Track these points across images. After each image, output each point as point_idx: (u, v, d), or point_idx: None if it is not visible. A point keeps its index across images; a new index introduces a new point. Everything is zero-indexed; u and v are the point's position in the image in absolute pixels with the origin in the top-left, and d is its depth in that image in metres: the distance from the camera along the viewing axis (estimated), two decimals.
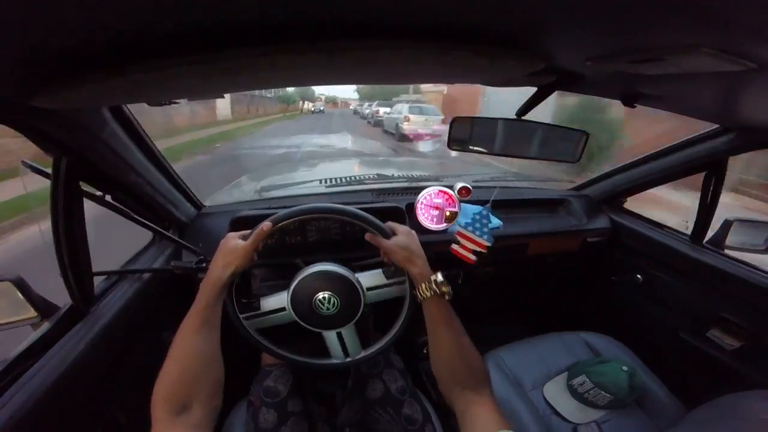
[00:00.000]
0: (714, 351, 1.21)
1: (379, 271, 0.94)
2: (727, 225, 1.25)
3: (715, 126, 1.10)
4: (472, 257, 1.16)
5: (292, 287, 0.87)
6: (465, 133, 0.81)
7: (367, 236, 0.85)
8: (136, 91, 0.51)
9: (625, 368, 1.11)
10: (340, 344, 0.92)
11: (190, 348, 0.64)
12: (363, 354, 0.94)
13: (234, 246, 0.76)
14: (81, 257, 0.77)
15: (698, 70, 0.48)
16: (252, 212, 1.13)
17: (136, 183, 0.92)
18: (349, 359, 0.94)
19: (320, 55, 0.38)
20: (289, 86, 0.64)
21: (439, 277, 0.74)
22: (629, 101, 0.75)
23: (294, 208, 0.82)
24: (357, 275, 0.91)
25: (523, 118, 0.77)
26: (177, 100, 0.69)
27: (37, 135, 0.65)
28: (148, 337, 1.00)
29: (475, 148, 0.82)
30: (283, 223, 0.81)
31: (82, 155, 0.73)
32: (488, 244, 1.12)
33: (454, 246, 1.18)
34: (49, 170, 0.70)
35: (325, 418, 0.98)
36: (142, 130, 0.85)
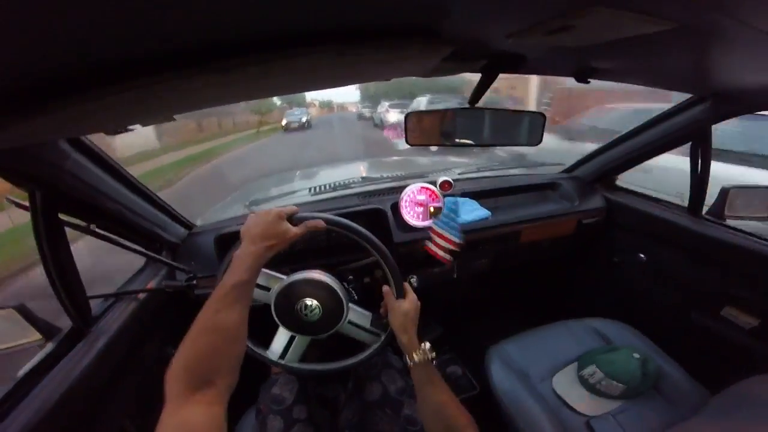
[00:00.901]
0: (730, 331, 1.16)
1: (370, 315, 0.98)
2: (724, 193, 1.19)
3: (689, 96, 1.07)
4: (448, 257, 1.16)
5: (289, 280, 0.91)
6: (421, 127, 0.80)
7: (385, 289, 0.92)
8: (79, 122, 0.53)
9: (636, 355, 1.07)
10: (285, 344, 0.94)
11: (223, 321, 0.62)
12: (296, 365, 0.95)
13: (281, 227, 0.75)
14: (72, 282, 0.81)
15: (612, 36, 0.46)
16: (237, 228, 1.15)
17: (116, 210, 0.95)
18: (280, 360, 0.95)
19: (214, 75, 0.39)
20: (216, 104, 0.65)
21: (427, 345, 0.82)
22: (582, 77, 0.73)
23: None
24: (350, 305, 0.95)
25: (477, 105, 0.76)
26: (130, 127, 0.71)
27: (5, 171, 0.68)
28: (148, 352, 1.04)
29: (435, 141, 0.81)
30: (334, 228, 0.86)
31: (54, 187, 0.76)
32: (458, 241, 1.11)
33: (428, 244, 1.18)
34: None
35: (328, 423, 0.99)
36: (107, 157, 0.88)
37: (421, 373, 0.80)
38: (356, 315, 0.96)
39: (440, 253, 1.17)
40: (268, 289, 0.92)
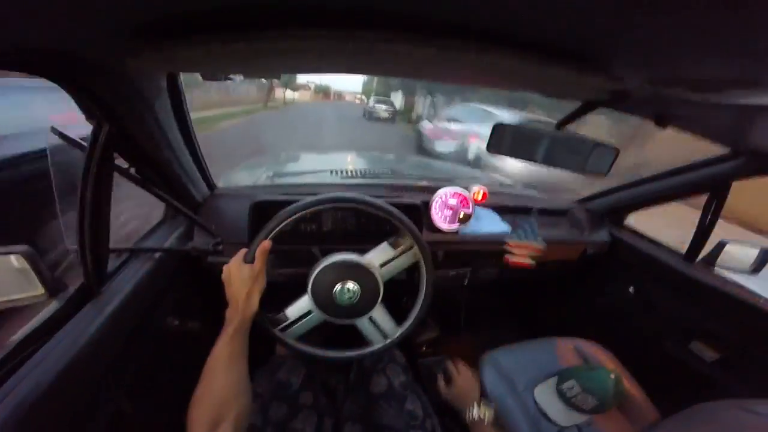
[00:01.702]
0: (694, 362, 1.28)
1: (384, 243, 0.97)
2: (720, 246, 1.32)
3: (725, 150, 1.14)
4: (531, 261, 1.24)
5: (309, 288, 0.89)
6: (503, 138, 0.84)
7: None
8: (199, 61, 0.51)
9: (612, 375, 1.14)
10: (375, 329, 0.94)
11: (222, 380, 0.67)
12: (400, 331, 0.95)
13: (248, 273, 0.78)
14: (102, 232, 0.74)
15: (747, 102, 0.51)
16: (273, 197, 1.12)
17: (165, 157, 0.89)
18: (389, 340, 0.95)
19: (361, 43, 0.39)
20: (332, 72, 0.65)
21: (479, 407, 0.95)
22: (662, 122, 0.79)
23: (286, 213, 0.84)
24: (366, 256, 0.93)
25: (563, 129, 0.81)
26: (231, 76, 0.69)
27: (85, 96, 0.62)
28: (156, 322, 0.98)
29: (513, 154, 0.85)
30: (278, 229, 0.84)
31: (123, 124, 0.71)
32: (541, 246, 1.17)
33: (511, 257, 1.25)
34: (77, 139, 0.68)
35: (332, 412, 0.99)
36: (185, 102, 0.84)
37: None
38: (378, 256, 0.95)
39: (524, 261, 1.26)
40: (310, 312, 0.92)
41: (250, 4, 0.37)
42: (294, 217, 0.84)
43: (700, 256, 1.37)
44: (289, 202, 0.87)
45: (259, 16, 0.39)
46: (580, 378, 1.15)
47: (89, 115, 0.67)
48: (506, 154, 0.84)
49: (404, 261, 0.95)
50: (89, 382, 0.69)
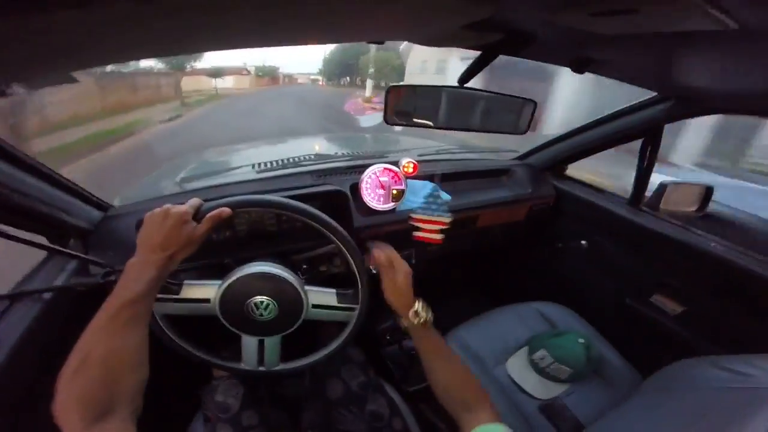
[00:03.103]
0: (659, 316, 1.26)
1: (333, 291, 0.88)
2: (662, 188, 1.29)
3: (653, 94, 1.10)
4: (438, 237, 1.11)
5: (227, 282, 0.79)
6: (403, 104, 0.71)
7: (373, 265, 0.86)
8: None
9: (581, 340, 1.12)
10: (257, 351, 0.85)
11: (115, 349, 0.53)
12: (280, 367, 0.88)
13: (184, 231, 0.64)
14: None
15: (670, 27, 0.42)
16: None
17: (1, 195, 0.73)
18: (262, 368, 0.87)
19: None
20: (197, 51, 0.51)
21: (422, 303, 0.79)
22: (578, 67, 0.69)
23: (263, 197, 0.76)
24: (306, 287, 0.84)
25: (466, 86, 0.69)
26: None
27: None
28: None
29: (416, 121, 0.72)
30: (246, 209, 0.76)
31: None
32: (448, 219, 1.07)
33: (417, 233, 1.12)
34: None
35: (287, 425, 0.93)
36: None
37: (423, 338, 0.76)
38: (319, 296, 0.87)
39: (432, 236, 1.12)
40: (207, 300, 0.80)
41: None
42: (273, 210, 0.80)
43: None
44: None
45: None
46: (550, 347, 1.12)
47: None
48: (407, 124, 0.72)
49: (338, 316, 0.88)
50: None
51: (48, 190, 0.87)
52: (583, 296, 1.51)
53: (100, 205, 1.06)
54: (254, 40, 0.52)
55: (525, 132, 0.74)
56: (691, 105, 1.04)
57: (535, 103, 0.72)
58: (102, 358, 0.51)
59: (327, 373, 0.98)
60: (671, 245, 1.19)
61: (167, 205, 0.67)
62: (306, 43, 0.51)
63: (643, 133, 1.21)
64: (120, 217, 1.06)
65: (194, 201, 0.70)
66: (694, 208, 1.28)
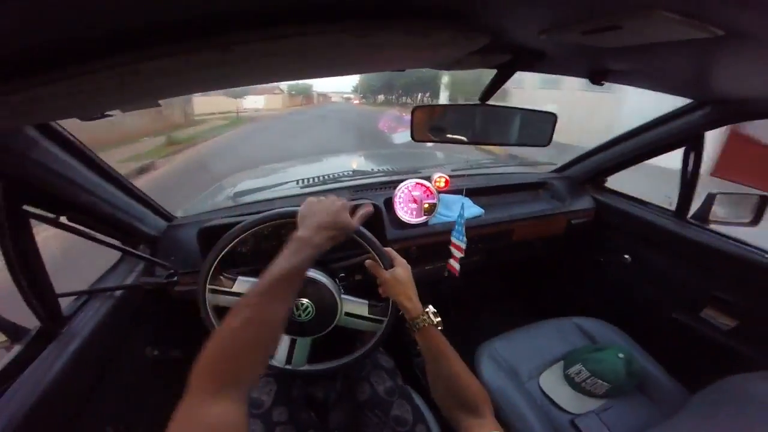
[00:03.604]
0: (709, 331, 1.19)
1: (366, 303, 0.95)
2: (710, 198, 1.22)
3: (690, 101, 1.07)
4: (456, 267, 1.15)
5: None
6: (429, 122, 0.77)
7: (368, 263, 0.86)
8: (48, 106, 0.46)
9: (621, 355, 1.08)
10: (288, 349, 0.92)
11: (272, 313, 0.55)
12: (306, 367, 0.94)
13: (346, 218, 0.71)
14: (39, 279, 0.75)
15: (660, 38, 0.44)
16: (221, 221, 1.10)
17: (89, 202, 0.87)
18: (288, 366, 0.93)
19: (214, 52, 0.34)
20: (213, 89, 0.59)
21: (432, 309, 0.78)
22: (596, 78, 0.71)
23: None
24: (343, 296, 0.92)
25: (488, 103, 0.73)
26: (109, 113, 0.64)
27: None
28: (129, 352, 0.99)
29: (442, 137, 0.78)
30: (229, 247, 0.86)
31: (18, 178, 0.69)
32: (463, 245, 1.10)
33: (451, 262, 1.16)
34: None
35: (315, 425, 0.95)
36: (81, 144, 0.80)
37: (428, 341, 0.74)
38: (352, 305, 0.93)
39: (454, 265, 1.16)
40: None
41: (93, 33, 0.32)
42: (240, 236, 0.86)
43: (691, 212, 1.28)
44: (233, 224, 0.88)
45: (111, 41, 0.34)
46: (587, 361, 1.10)
47: None
48: (434, 140, 0.77)
49: (367, 326, 0.94)
50: (64, 413, 0.72)
51: (126, 200, 1.01)
52: (626, 311, 1.45)
53: (166, 216, 1.21)
54: (280, 75, 0.60)
55: (547, 144, 0.77)
56: (729, 110, 1.01)
57: (555, 116, 0.75)
58: (256, 321, 0.53)
59: (357, 377, 1.01)
60: (721, 258, 1.13)
61: (326, 197, 0.75)
62: (330, 76, 0.58)
63: (684, 141, 1.18)
64: (183, 226, 1.20)
65: (345, 200, 0.75)
66: (747, 220, 1.19)
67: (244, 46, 0.36)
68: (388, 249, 0.88)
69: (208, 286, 0.88)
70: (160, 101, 0.62)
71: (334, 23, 0.36)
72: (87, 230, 0.89)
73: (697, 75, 0.74)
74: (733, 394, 0.75)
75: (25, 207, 0.72)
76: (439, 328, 0.77)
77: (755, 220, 1.20)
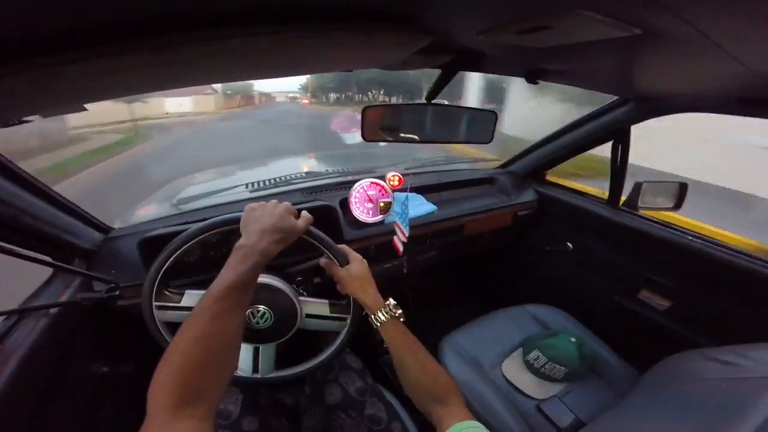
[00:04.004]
0: (648, 312, 1.29)
1: (326, 302, 0.93)
2: (637, 187, 1.34)
3: (616, 98, 1.16)
4: (401, 248, 1.17)
5: None
6: (378, 122, 0.77)
7: (322, 262, 0.87)
8: None
9: (573, 339, 1.15)
10: (252, 359, 0.90)
11: (223, 327, 0.54)
12: (274, 374, 0.92)
13: (291, 224, 0.70)
14: None
15: (586, 38, 0.47)
16: (163, 230, 1.03)
17: (8, 215, 0.79)
18: (257, 375, 0.91)
19: (146, 54, 0.32)
20: (144, 92, 0.57)
21: (392, 301, 0.79)
22: (532, 78, 0.75)
23: None
24: (301, 298, 0.90)
25: (434, 102, 0.76)
26: (27, 118, 0.59)
27: None
28: (74, 372, 0.92)
29: (391, 137, 0.79)
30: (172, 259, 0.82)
31: None
32: (407, 234, 1.13)
33: (395, 239, 1.19)
34: None
35: (288, 431, 0.94)
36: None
37: (392, 334, 0.75)
38: (312, 306, 0.91)
39: (399, 245, 1.18)
40: None
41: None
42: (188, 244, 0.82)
43: (622, 202, 1.39)
44: (177, 233, 0.84)
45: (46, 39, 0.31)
46: (543, 347, 1.15)
47: None
48: (384, 140, 0.78)
49: (330, 326, 0.93)
50: None
51: (53, 212, 0.93)
52: (574, 297, 1.55)
53: (101, 227, 1.12)
54: (221, 75, 0.58)
55: (490, 141, 0.80)
56: (650, 106, 1.10)
57: (496, 114, 0.79)
58: (206, 336, 0.52)
59: (326, 380, 1.00)
60: (652, 242, 1.24)
61: (269, 202, 0.73)
62: (275, 77, 0.57)
63: (612, 135, 1.28)
64: (122, 238, 1.12)
65: (288, 203, 0.74)
66: (670, 205, 1.32)
67: (182, 47, 0.34)
68: (342, 246, 0.87)
69: (154, 303, 0.83)
70: (87, 105, 0.57)
71: (277, 24, 0.35)
72: (10, 247, 0.81)
73: (621, 73, 0.80)
74: (675, 373, 0.81)
75: None
76: (401, 319, 0.77)
77: (677, 205, 1.34)
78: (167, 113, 21.90)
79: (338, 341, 0.92)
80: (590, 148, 1.40)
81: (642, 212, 1.34)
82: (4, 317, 0.84)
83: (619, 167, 1.30)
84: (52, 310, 0.88)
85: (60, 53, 0.31)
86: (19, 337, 0.79)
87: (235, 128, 14.18)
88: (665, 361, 0.86)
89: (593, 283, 1.50)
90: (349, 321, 0.91)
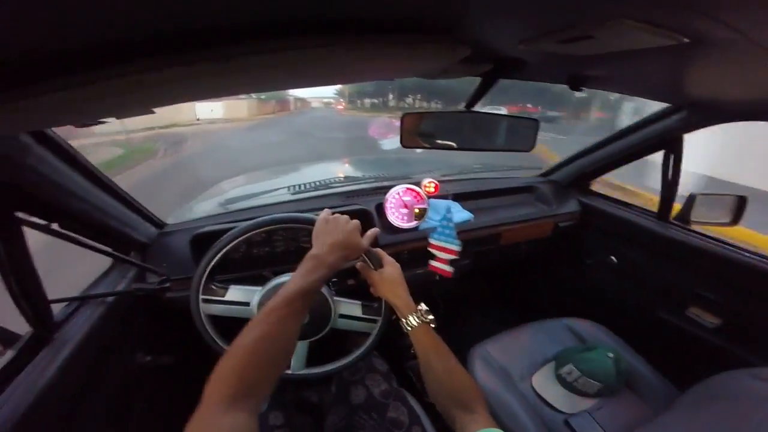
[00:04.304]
0: (695, 329, 1.22)
1: (359, 303, 0.96)
2: (690, 200, 1.26)
3: (667, 105, 1.11)
4: (449, 269, 1.17)
5: (265, 288, 0.90)
6: (417, 129, 0.79)
7: (358, 265, 0.89)
8: (46, 113, 0.47)
9: (610, 354, 1.10)
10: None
11: (284, 330, 0.58)
12: (305, 371, 0.95)
13: (357, 242, 0.74)
14: (31, 285, 0.75)
15: (629, 47, 0.46)
16: (213, 227, 1.10)
17: (81, 209, 0.87)
18: (287, 372, 0.94)
19: (213, 65, 0.36)
20: (210, 97, 0.61)
21: (424, 307, 0.80)
22: (575, 84, 0.74)
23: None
24: (335, 298, 0.93)
25: (473, 109, 0.76)
26: (103, 120, 0.65)
27: None
28: (119, 358, 0.99)
29: (430, 143, 0.80)
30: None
31: (11, 185, 0.69)
32: (458, 248, 1.12)
33: (432, 263, 1.19)
34: None
35: (311, 428, 0.96)
36: (74, 151, 0.80)
37: (421, 338, 0.76)
38: (346, 307, 0.95)
39: (444, 267, 1.18)
40: (247, 303, 0.90)
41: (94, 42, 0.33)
42: (233, 243, 0.88)
43: (674, 214, 1.32)
44: (226, 230, 0.90)
45: (108, 53, 0.35)
46: (578, 361, 1.11)
47: None
48: (423, 146, 0.79)
49: (362, 326, 0.95)
50: (55, 419, 0.72)
51: (117, 207, 1.02)
52: (614, 311, 1.48)
53: (157, 223, 1.21)
54: (276, 84, 0.62)
55: (531, 149, 0.79)
56: (705, 114, 1.04)
57: (537, 122, 0.78)
58: (270, 336, 0.56)
59: (352, 380, 1.02)
60: (704, 257, 1.17)
61: (338, 214, 0.78)
62: (322, 85, 0.60)
63: (663, 145, 1.21)
64: (174, 233, 1.20)
65: (357, 222, 0.78)
66: (727, 220, 1.23)
67: (243, 58, 0.37)
68: (377, 249, 0.89)
69: (201, 296, 0.88)
70: (155, 109, 0.63)
71: (327, 37, 0.37)
72: (78, 237, 0.89)
73: (671, 80, 0.76)
74: (719, 391, 0.77)
75: (17, 214, 0.72)
76: (432, 325, 0.78)
77: (734, 220, 1.24)
78: (198, 119, 20.39)
79: (368, 342, 0.94)
80: (639, 158, 1.34)
81: (694, 226, 1.26)
82: (66, 303, 0.92)
83: (670, 179, 1.22)
84: (108, 299, 0.96)
85: (143, 61, 0.35)
86: (77, 324, 0.86)
87: (263, 140, 12.69)
88: (710, 379, 0.81)
89: (636, 297, 1.43)
90: (379, 323, 0.93)
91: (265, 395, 0.54)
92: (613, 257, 1.48)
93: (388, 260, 0.88)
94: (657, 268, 1.33)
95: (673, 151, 1.19)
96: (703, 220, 1.26)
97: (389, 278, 0.84)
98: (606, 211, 1.49)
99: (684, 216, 1.28)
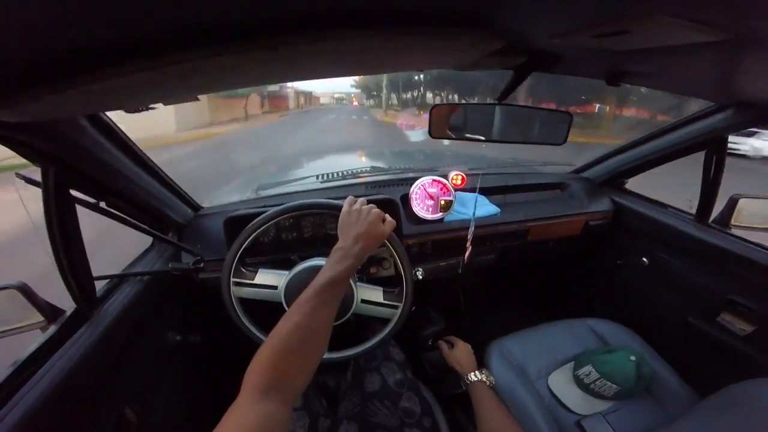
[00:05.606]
0: (725, 336, 1.17)
1: (380, 289, 0.98)
2: (732, 202, 1.21)
3: (711, 104, 1.06)
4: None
5: (292, 273, 0.93)
6: (446, 120, 0.79)
7: (439, 343, 1.14)
8: (99, 100, 0.51)
9: (632, 358, 1.08)
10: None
11: (318, 320, 0.60)
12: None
13: (380, 230, 0.76)
14: (79, 262, 0.78)
15: (668, 42, 0.45)
16: (245, 211, 1.15)
17: (127, 188, 0.93)
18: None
19: (263, 52, 0.38)
20: (255, 84, 0.64)
21: (486, 370, 0.95)
22: (613, 81, 0.72)
23: None
24: (358, 283, 0.95)
25: (504, 102, 0.76)
26: (153, 105, 0.69)
27: (20, 146, 0.66)
28: (151, 335, 1.04)
29: (457, 136, 0.80)
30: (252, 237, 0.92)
31: (68, 164, 0.74)
32: (471, 234, 1.13)
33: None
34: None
35: (326, 412, 0.99)
36: (124, 135, 0.86)
37: (479, 392, 0.87)
38: (367, 292, 0.96)
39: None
40: (275, 287, 0.94)
41: (148, 31, 0.36)
42: (264, 226, 0.92)
43: (713, 216, 1.26)
44: (257, 214, 0.94)
45: (164, 40, 0.38)
46: (597, 362, 1.10)
47: (32, 161, 0.70)
48: (452, 137, 0.80)
49: (383, 312, 0.97)
50: (89, 393, 0.76)
51: (160, 189, 1.07)
52: (641, 314, 1.44)
53: (193, 205, 1.27)
54: (318, 73, 0.64)
55: (563, 143, 0.78)
56: (755, 113, 0.98)
57: (571, 115, 0.76)
58: (304, 326, 0.57)
59: (368, 368, 1.04)
60: (741, 263, 1.11)
61: (361, 200, 0.81)
62: (358, 75, 0.62)
63: (706, 144, 1.16)
64: (209, 216, 1.26)
65: (378, 210, 0.80)
66: None
67: (290, 48, 0.39)
68: (451, 337, 1.14)
69: (232, 279, 0.92)
70: (199, 96, 0.67)
71: (366, 29, 0.39)
72: (123, 216, 0.95)
73: (716, 77, 0.73)
74: (741, 398, 0.74)
75: (72, 192, 0.77)
76: (490, 384, 0.91)
77: None
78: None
79: (387, 329, 0.96)
80: (678, 157, 1.28)
81: (734, 230, 1.20)
82: (107, 280, 0.98)
83: (712, 180, 1.16)
84: (145, 278, 1.02)
85: (198, 50, 0.38)
86: (117, 301, 0.91)
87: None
88: (730, 387, 0.79)
89: (665, 301, 1.38)
90: (400, 309, 0.94)
91: (301, 386, 0.54)
92: (644, 259, 1.43)
93: (460, 343, 1.08)
94: (690, 272, 1.28)
95: (716, 151, 1.13)
96: (745, 224, 1.20)
97: (457, 353, 1.04)
98: (641, 211, 1.44)
99: (724, 219, 1.23)
